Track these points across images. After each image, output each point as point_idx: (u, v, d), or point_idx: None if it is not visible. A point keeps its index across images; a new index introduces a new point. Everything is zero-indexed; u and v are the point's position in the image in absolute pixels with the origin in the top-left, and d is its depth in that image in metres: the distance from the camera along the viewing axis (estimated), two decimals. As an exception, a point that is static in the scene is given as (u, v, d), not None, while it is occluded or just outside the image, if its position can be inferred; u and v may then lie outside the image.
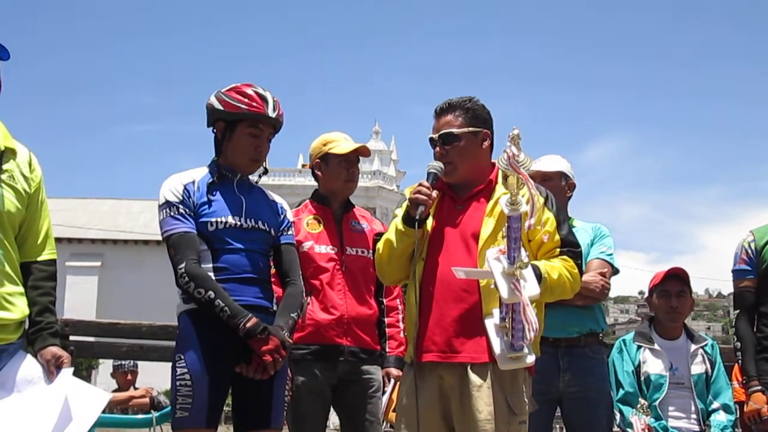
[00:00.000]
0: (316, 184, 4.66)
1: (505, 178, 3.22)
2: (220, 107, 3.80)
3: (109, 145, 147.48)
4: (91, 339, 6.32)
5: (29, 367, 3.34)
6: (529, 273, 3.27)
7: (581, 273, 3.72)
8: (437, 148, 3.71)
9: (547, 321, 3.77)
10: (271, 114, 3.80)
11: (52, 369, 3.36)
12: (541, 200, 3.60)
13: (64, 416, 3.22)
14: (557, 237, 3.61)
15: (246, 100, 3.77)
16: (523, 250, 3.26)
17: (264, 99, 3.79)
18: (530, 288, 3.24)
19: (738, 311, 4.66)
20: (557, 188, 4.64)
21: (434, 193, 3.58)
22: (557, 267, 3.53)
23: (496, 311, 3.40)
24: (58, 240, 3.69)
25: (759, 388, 4.46)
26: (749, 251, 4.58)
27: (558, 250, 3.60)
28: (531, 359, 3.38)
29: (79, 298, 33.23)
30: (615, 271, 4.75)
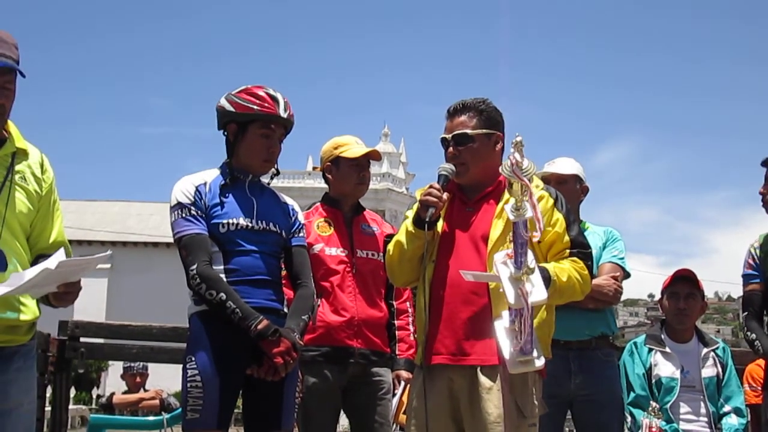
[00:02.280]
0: (325, 186, 4.67)
1: (511, 184, 3.20)
2: (232, 109, 3.80)
3: (119, 148, 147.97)
4: (101, 341, 6.34)
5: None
6: (536, 278, 3.25)
7: (591, 274, 3.70)
8: (450, 149, 3.70)
9: (559, 324, 3.76)
10: (283, 114, 3.80)
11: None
12: (551, 202, 3.62)
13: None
14: (567, 238, 3.59)
15: (257, 101, 3.77)
16: (530, 254, 3.25)
17: (275, 100, 3.80)
18: (537, 293, 3.23)
19: (746, 313, 4.64)
20: (572, 191, 4.65)
21: (444, 196, 3.57)
22: (566, 269, 3.52)
23: (505, 314, 3.38)
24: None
25: None
26: (755, 256, 4.55)
27: (568, 251, 3.59)
28: (540, 363, 3.35)
29: (89, 300, 33.08)
30: (627, 274, 4.75)
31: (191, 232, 3.66)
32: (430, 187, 3.57)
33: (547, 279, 3.37)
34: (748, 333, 4.56)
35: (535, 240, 3.29)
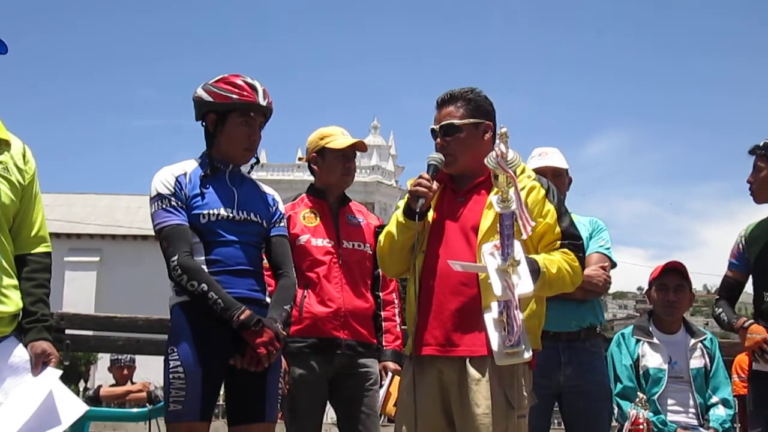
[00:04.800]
0: (313, 178, 4.65)
1: (496, 176, 3.22)
2: (210, 99, 3.79)
3: (108, 141, 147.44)
4: (88, 333, 6.30)
5: (18, 355, 3.32)
6: (523, 270, 3.25)
7: (583, 266, 3.69)
8: (438, 139, 3.69)
9: (548, 315, 3.74)
10: (262, 102, 3.79)
11: (38, 364, 3.33)
12: (542, 193, 3.60)
13: (39, 415, 3.20)
14: (558, 229, 3.58)
15: (236, 90, 3.76)
16: (517, 246, 3.26)
17: (253, 88, 3.78)
18: (524, 285, 3.23)
19: (718, 297, 4.71)
20: (563, 184, 4.67)
21: (435, 186, 3.57)
22: (557, 260, 3.51)
23: (494, 305, 3.38)
24: (56, 235, 3.70)
25: (752, 321, 4.40)
26: (740, 245, 4.59)
27: (559, 242, 3.58)
28: (528, 355, 3.35)
29: (78, 294, 33.29)
30: (613, 264, 4.75)
31: (172, 223, 3.65)
32: (420, 177, 3.56)
33: (536, 271, 3.37)
34: (716, 309, 4.63)
35: (523, 238, 3.29)
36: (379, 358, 4.51)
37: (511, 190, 3.19)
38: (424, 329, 3.57)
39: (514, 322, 3.25)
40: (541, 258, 3.47)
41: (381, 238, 3.76)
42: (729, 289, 4.66)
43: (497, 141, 3.18)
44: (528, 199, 3.51)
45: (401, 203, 3.67)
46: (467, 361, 3.47)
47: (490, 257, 3.27)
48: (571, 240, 3.61)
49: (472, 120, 3.67)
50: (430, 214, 3.66)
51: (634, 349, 4.87)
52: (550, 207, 3.59)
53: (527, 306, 3.48)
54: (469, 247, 3.55)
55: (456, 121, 3.66)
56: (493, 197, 3.27)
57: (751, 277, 4.58)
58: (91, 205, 40.08)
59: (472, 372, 3.45)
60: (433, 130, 3.72)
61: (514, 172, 3.17)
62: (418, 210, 3.51)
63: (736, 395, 5.23)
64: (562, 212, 3.63)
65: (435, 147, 3.71)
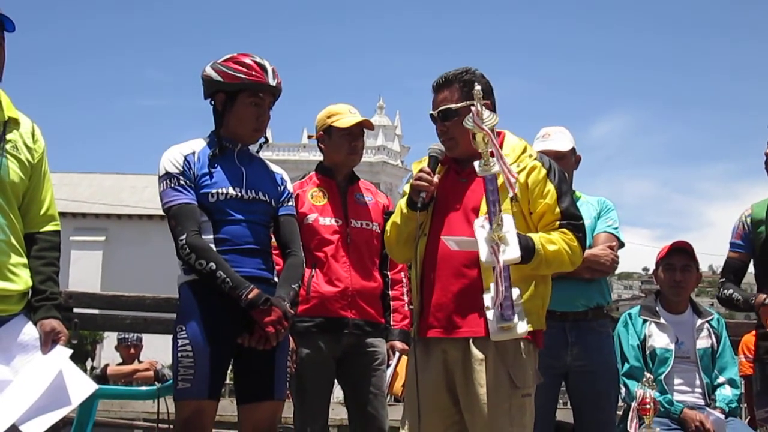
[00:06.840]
0: (320, 159, 4.64)
1: (474, 136, 3.20)
2: (219, 78, 3.77)
3: (114, 120, 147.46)
4: (95, 311, 6.32)
5: (27, 333, 3.34)
6: (512, 237, 3.22)
7: (583, 246, 3.68)
8: (438, 125, 3.69)
9: (555, 294, 3.74)
10: (271, 82, 3.77)
11: (48, 342, 3.35)
12: (543, 172, 3.59)
13: (49, 393, 3.22)
14: (557, 210, 3.56)
15: (245, 70, 3.74)
16: (506, 217, 3.24)
17: (263, 68, 3.76)
18: (510, 252, 3.20)
19: (723, 279, 4.67)
20: (569, 165, 4.60)
21: (435, 179, 3.56)
22: (554, 239, 3.49)
23: (494, 285, 3.37)
24: (62, 215, 3.69)
25: None
26: (745, 226, 4.57)
27: (558, 222, 3.56)
28: (522, 330, 3.30)
29: (84, 273, 33.40)
30: (621, 244, 4.73)
31: (180, 202, 3.65)
32: (421, 170, 3.56)
33: (531, 248, 3.36)
34: (725, 291, 4.59)
35: (510, 195, 3.31)
36: (386, 338, 4.51)
37: (490, 149, 3.16)
38: (428, 312, 3.59)
39: (499, 289, 3.21)
40: (537, 236, 3.46)
41: (388, 227, 3.78)
42: (734, 271, 4.63)
43: (474, 101, 3.17)
44: (529, 179, 3.53)
45: (407, 188, 3.67)
46: (470, 341, 3.48)
47: (480, 229, 3.26)
48: (571, 220, 3.58)
49: (468, 102, 3.61)
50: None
51: (641, 329, 4.86)
52: (550, 187, 3.57)
53: (529, 286, 3.49)
54: (469, 227, 3.51)
55: (452, 106, 3.63)
56: (475, 162, 3.25)
57: (754, 258, 4.57)
58: (97, 185, 40.18)
59: (476, 352, 3.46)
60: (432, 116, 3.71)
61: (492, 130, 3.15)
62: (420, 204, 3.53)
63: (743, 375, 5.21)
64: (562, 192, 3.61)
65: (436, 132, 3.70)
